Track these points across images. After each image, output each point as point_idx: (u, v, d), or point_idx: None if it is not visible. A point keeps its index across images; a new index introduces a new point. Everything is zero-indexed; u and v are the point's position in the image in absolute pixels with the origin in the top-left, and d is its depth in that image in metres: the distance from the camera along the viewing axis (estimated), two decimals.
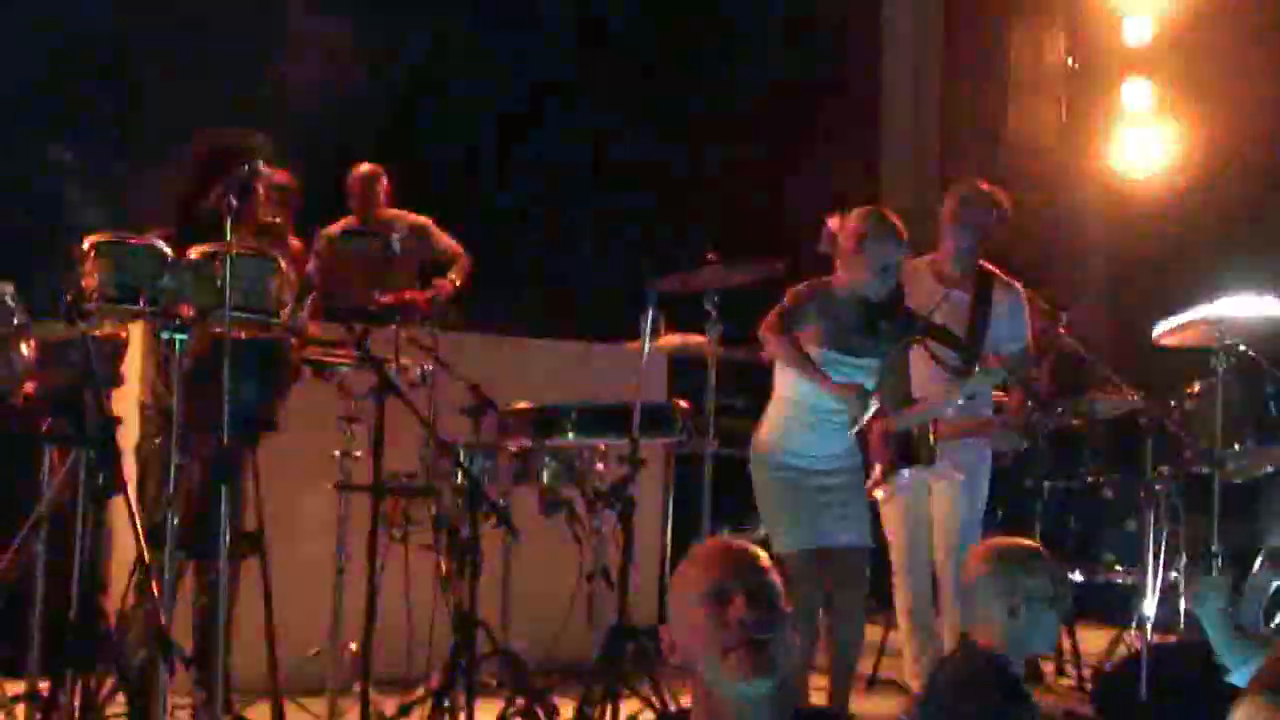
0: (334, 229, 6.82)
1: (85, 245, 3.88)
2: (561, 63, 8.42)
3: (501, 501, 4.62)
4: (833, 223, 4.60)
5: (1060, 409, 5.19)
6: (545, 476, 4.76)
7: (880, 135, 9.52)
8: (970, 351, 4.77)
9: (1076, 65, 9.28)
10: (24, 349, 3.97)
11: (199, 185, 4.24)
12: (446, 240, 6.97)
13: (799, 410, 4.54)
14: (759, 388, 5.47)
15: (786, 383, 4.57)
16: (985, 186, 5.20)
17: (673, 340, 6.56)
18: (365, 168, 6.93)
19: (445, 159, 7.97)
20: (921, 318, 4.66)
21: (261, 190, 4.41)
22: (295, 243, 5.86)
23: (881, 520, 5.05)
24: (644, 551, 5.21)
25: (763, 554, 2.38)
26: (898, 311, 4.60)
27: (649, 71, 8.58)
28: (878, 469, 4.79)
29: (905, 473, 4.90)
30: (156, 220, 4.30)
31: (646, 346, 4.72)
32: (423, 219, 6.98)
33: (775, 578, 2.34)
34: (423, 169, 7.64)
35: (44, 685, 4.03)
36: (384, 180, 6.92)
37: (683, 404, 4.89)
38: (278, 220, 5.37)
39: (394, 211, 6.96)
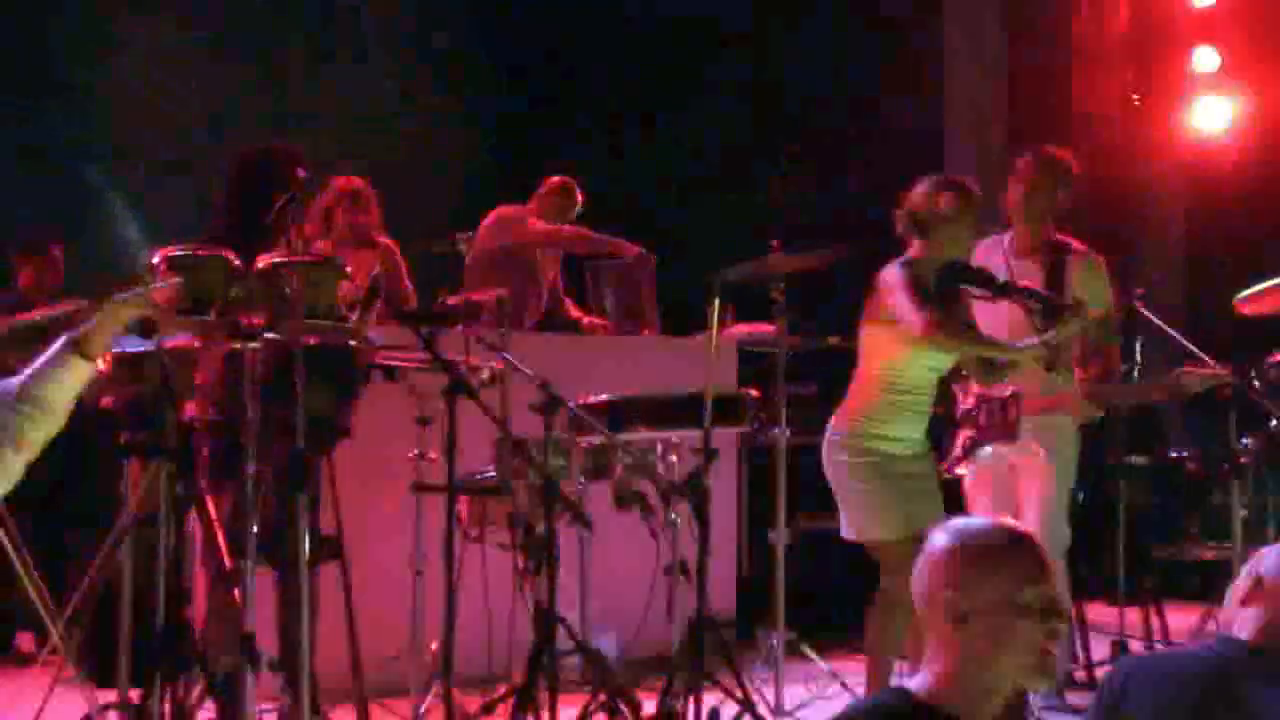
0: None
1: (156, 259, 3.93)
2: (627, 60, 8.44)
3: (576, 497, 4.62)
4: (903, 203, 4.56)
5: (1145, 382, 5.10)
6: (618, 471, 4.76)
7: (943, 113, 9.42)
8: (1053, 303, 4.67)
9: (1141, 32, 9.13)
10: (100, 362, 4.02)
11: (246, 196, 4.29)
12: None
13: (899, 393, 4.49)
14: (827, 375, 5.46)
15: (885, 367, 4.50)
16: (1049, 152, 5.12)
17: (740, 330, 6.55)
18: None
19: (510, 153, 8.01)
20: (996, 277, 4.63)
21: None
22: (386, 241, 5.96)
23: (965, 499, 5.00)
24: (720, 542, 5.19)
25: None
26: (975, 271, 4.58)
27: (707, 57, 8.56)
28: (959, 446, 4.76)
29: (988, 449, 4.86)
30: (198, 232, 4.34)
31: (714, 337, 4.71)
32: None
33: None
34: (487, 164, 7.70)
35: (134, 694, 4.10)
36: None
37: (753, 393, 4.87)
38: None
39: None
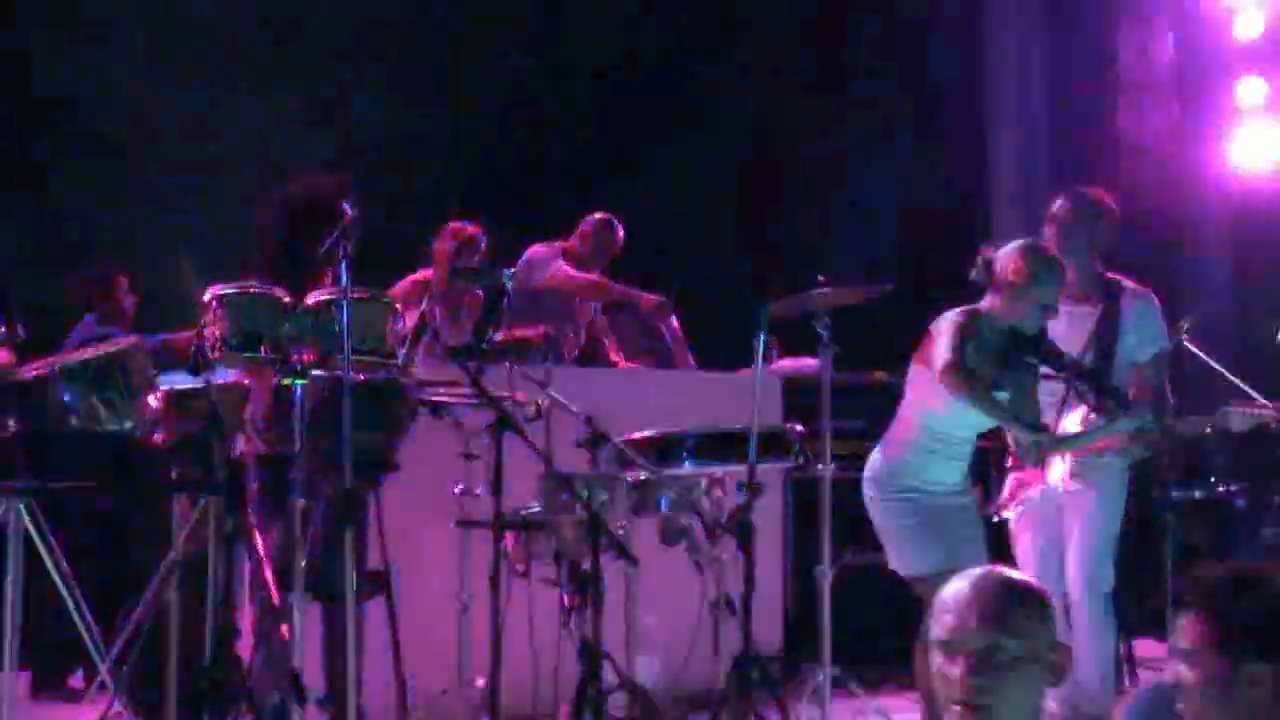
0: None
1: (208, 296, 3.98)
2: (659, 85, 8.47)
3: (621, 532, 4.63)
4: (987, 250, 4.58)
5: (1187, 423, 5.05)
6: (664, 506, 4.76)
7: (988, 144, 9.41)
8: (1113, 393, 4.67)
9: (1186, 64, 9.09)
10: (152, 400, 4.08)
11: (295, 230, 4.32)
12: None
13: (930, 439, 4.52)
14: (873, 409, 5.45)
15: (923, 411, 4.53)
16: (1091, 192, 5.10)
17: (786, 365, 6.54)
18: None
19: (547, 188, 8.05)
20: (1065, 356, 4.61)
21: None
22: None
23: (1012, 541, 4.98)
24: (765, 577, 5.17)
25: (1020, 598, 2.40)
26: (1041, 347, 4.57)
27: (750, 90, 8.59)
28: (1008, 489, 4.74)
29: (1035, 491, 4.84)
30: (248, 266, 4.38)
31: (759, 371, 4.71)
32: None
33: (1013, 628, 2.36)
34: (525, 200, 7.73)
35: None
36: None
37: (798, 428, 4.86)
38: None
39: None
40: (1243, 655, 2.35)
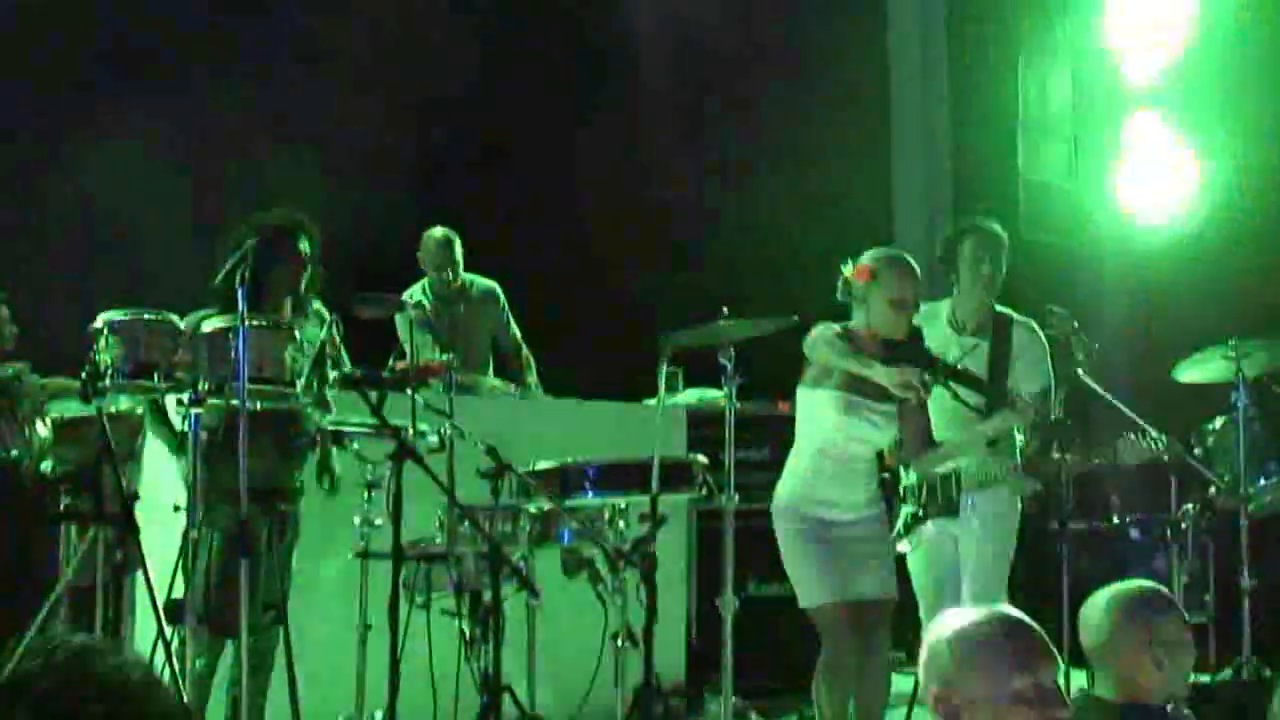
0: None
1: (99, 323, 3.90)
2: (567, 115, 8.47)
3: (523, 563, 4.59)
4: (846, 270, 4.64)
5: (1077, 454, 5.12)
6: (566, 537, 4.73)
7: (891, 183, 9.52)
8: (993, 393, 4.74)
9: (1083, 104, 9.28)
10: (41, 427, 3.99)
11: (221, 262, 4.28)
12: (512, 328, 6.94)
13: (824, 459, 4.56)
14: (778, 441, 5.48)
15: (812, 432, 4.60)
16: (982, 225, 5.17)
17: (690, 396, 6.55)
18: (439, 231, 6.83)
19: (454, 217, 7.98)
20: (942, 360, 4.67)
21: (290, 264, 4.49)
22: None
23: (909, 572, 5.01)
24: (668, 609, 5.16)
25: None
26: (918, 353, 4.61)
27: (654, 126, 8.62)
28: (901, 522, 4.78)
29: (929, 524, 4.87)
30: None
31: (662, 401, 4.71)
32: (493, 284, 6.94)
33: None
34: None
35: None
36: (457, 244, 6.81)
37: (701, 459, 4.87)
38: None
39: (471, 275, 6.89)
40: None
